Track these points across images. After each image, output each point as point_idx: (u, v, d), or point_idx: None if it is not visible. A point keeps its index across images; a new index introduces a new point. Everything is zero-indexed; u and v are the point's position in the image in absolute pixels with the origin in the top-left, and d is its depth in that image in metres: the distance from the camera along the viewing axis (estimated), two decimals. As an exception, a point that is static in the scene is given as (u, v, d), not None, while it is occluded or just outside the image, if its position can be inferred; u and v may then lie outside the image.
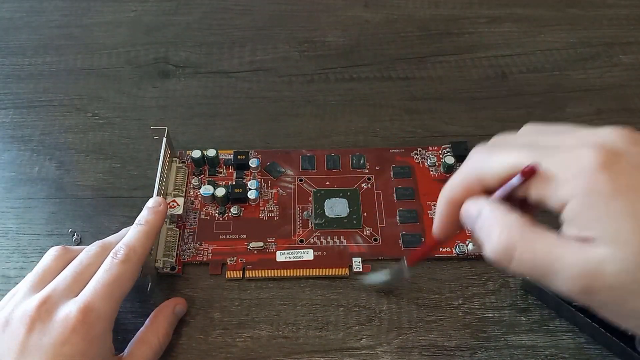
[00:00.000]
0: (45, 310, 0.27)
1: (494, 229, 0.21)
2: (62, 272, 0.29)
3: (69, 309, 0.27)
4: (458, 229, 0.25)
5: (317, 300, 0.35)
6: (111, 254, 0.30)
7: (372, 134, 0.43)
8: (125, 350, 0.30)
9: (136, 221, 0.32)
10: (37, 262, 0.36)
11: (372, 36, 0.50)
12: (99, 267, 0.29)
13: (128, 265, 0.29)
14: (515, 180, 0.21)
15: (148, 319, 0.32)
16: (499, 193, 0.22)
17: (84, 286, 0.29)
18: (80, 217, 0.38)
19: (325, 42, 0.50)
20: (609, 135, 0.21)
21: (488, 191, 0.23)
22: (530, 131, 0.24)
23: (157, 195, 0.35)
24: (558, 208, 0.20)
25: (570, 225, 0.20)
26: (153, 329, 0.31)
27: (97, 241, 0.31)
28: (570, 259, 0.19)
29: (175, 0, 0.53)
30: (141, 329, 0.31)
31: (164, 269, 0.35)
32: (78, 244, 0.37)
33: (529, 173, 0.21)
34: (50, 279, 0.29)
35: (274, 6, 0.53)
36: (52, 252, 0.31)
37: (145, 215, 0.32)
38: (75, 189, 0.40)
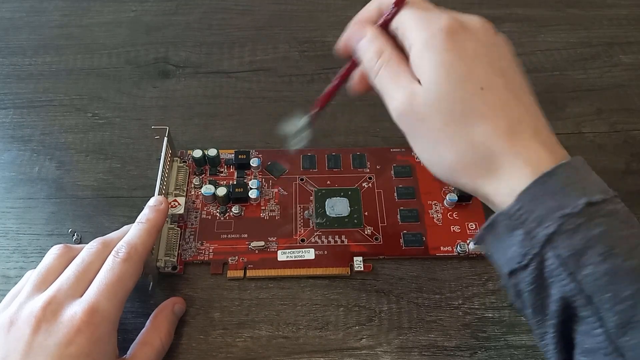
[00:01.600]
0: (50, 310, 0.27)
1: (372, 44, 0.27)
2: (65, 271, 0.29)
3: (75, 310, 0.27)
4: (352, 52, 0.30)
5: (317, 300, 0.35)
6: (113, 252, 0.30)
7: (373, 133, 0.43)
8: (128, 352, 0.30)
9: (137, 219, 0.32)
10: (38, 262, 0.36)
11: (372, 36, 0.50)
12: (101, 265, 0.29)
13: (130, 263, 0.29)
14: (389, 8, 0.27)
15: (149, 321, 0.32)
16: (380, 20, 0.28)
17: (88, 285, 0.28)
18: (80, 217, 0.38)
19: (325, 42, 0.50)
20: (473, 18, 0.27)
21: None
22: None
23: (158, 195, 0.35)
24: (408, 49, 0.26)
25: (411, 62, 0.26)
26: (155, 330, 0.31)
27: (98, 238, 0.31)
28: (401, 88, 0.26)
29: (175, 0, 0.53)
30: (142, 330, 0.31)
31: (166, 269, 0.35)
32: (78, 244, 0.37)
33: (399, 3, 0.27)
34: (53, 278, 0.29)
35: (274, 6, 0.53)
36: (54, 251, 0.31)
37: (146, 213, 0.32)
38: (75, 189, 0.40)
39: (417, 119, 0.25)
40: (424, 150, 0.26)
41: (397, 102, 0.26)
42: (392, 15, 0.27)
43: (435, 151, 0.26)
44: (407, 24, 0.27)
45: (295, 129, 0.33)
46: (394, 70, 0.26)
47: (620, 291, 0.21)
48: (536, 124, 0.25)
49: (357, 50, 0.28)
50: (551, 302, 0.23)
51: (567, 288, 0.22)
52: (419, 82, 0.25)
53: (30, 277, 0.30)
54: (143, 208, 0.38)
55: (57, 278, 0.29)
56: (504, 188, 0.24)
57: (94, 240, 0.31)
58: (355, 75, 0.30)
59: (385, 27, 0.28)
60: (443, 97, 0.25)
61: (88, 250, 0.30)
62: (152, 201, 0.33)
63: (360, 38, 0.28)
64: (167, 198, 0.37)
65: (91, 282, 0.29)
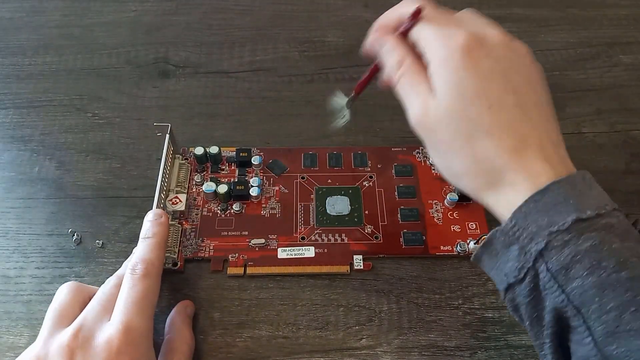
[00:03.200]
0: (83, 337, 0.27)
1: (393, 52, 0.29)
2: (88, 304, 0.29)
3: (109, 332, 0.27)
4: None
5: (317, 300, 0.35)
6: (129, 271, 0.29)
7: (372, 134, 0.43)
8: None
9: (142, 235, 0.32)
10: (38, 262, 0.36)
11: (372, 36, 0.50)
12: None
13: (150, 278, 0.29)
14: (408, 19, 0.28)
15: (168, 328, 0.32)
16: (400, 29, 0.29)
17: (112, 310, 0.28)
18: (80, 217, 0.38)
19: (325, 42, 0.50)
20: (491, 31, 0.27)
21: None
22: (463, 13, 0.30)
23: (158, 196, 0.35)
24: (426, 61, 0.27)
25: (430, 75, 0.27)
26: (180, 337, 0.31)
27: (111, 276, 0.31)
28: (419, 98, 0.27)
29: (175, 0, 0.53)
30: (165, 340, 0.31)
31: (166, 265, 0.35)
32: (78, 244, 0.37)
33: (416, 13, 0.28)
34: (71, 312, 0.29)
35: (274, 6, 0.53)
36: (65, 288, 0.30)
37: (150, 227, 0.32)
38: (75, 189, 0.40)
39: (429, 129, 0.27)
40: (436, 156, 0.28)
41: (413, 110, 0.27)
42: (410, 27, 0.28)
43: (445, 160, 0.27)
44: (425, 38, 0.27)
45: (339, 107, 0.35)
46: (413, 79, 0.28)
47: (606, 302, 0.22)
48: (542, 140, 0.25)
49: (380, 56, 0.30)
50: (546, 313, 0.24)
51: (558, 299, 0.23)
52: (434, 95, 0.27)
53: (47, 315, 0.29)
54: (143, 208, 0.38)
55: (74, 312, 0.29)
56: (503, 202, 0.25)
57: (108, 278, 0.31)
58: (383, 75, 0.31)
59: (404, 35, 0.29)
60: (452, 113, 0.26)
61: (105, 285, 0.30)
62: (151, 215, 0.33)
63: (382, 45, 0.29)
64: (168, 195, 0.37)
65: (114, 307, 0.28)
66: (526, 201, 0.24)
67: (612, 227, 0.23)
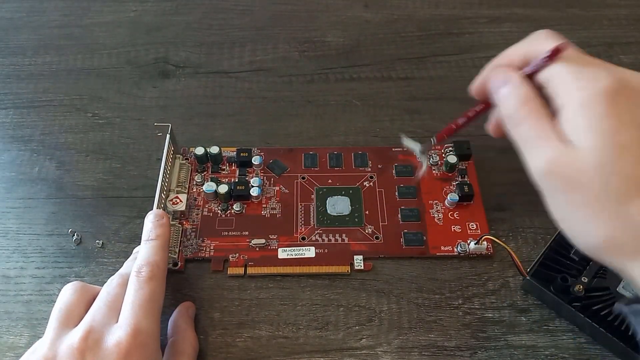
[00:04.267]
0: (92, 339, 0.26)
1: (516, 92, 0.25)
2: (92, 306, 0.29)
3: (118, 335, 0.27)
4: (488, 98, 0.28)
5: (317, 300, 0.35)
6: (134, 273, 0.29)
7: (372, 134, 0.43)
8: None
9: (145, 237, 0.31)
10: (38, 262, 0.36)
11: (372, 36, 0.50)
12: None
13: (156, 281, 0.29)
14: (542, 57, 0.25)
15: (171, 330, 0.32)
16: (528, 68, 0.26)
17: (119, 312, 0.28)
18: (80, 217, 0.38)
19: (325, 42, 0.50)
20: (635, 74, 0.24)
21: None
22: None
23: (158, 196, 0.35)
24: (558, 106, 0.24)
25: (562, 122, 0.24)
26: (184, 339, 0.31)
27: (113, 275, 0.31)
28: (549, 146, 0.23)
29: (175, 0, 0.53)
30: (169, 342, 0.31)
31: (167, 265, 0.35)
32: (78, 244, 0.37)
33: (556, 51, 0.24)
34: (76, 313, 0.29)
35: (274, 6, 0.53)
36: (69, 288, 0.30)
37: (153, 229, 0.32)
38: (75, 189, 0.40)
39: (566, 183, 0.23)
40: (567, 218, 0.24)
41: (542, 160, 0.24)
42: (542, 67, 0.25)
43: (581, 223, 0.24)
44: (561, 78, 0.24)
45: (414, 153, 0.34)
46: (539, 124, 0.24)
47: None
48: None
49: (497, 94, 0.26)
50: None
51: None
52: (569, 144, 0.23)
53: (52, 315, 0.29)
54: (143, 208, 0.38)
55: (80, 312, 0.29)
56: None
57: (111, 277, 0.31)
58: (493, 119, 0.29)
59: (531, 76, 0.26)
60: (601, 166, 0.22)
61: (109, 284, 0.30)
62: (152, 216, 0.33)
63: (503, 83, 0.26)
64: (168, 195, 0.37)
65: (121, 309, 0.28)
66: None
67: None
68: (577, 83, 0.23)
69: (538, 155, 0.24)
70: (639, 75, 0.24)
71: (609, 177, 0.22)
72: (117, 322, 0.28)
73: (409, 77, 0.47)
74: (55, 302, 0.30)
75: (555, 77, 0.24)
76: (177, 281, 0.35)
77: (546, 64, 0.25)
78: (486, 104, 0.29)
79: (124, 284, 0.29)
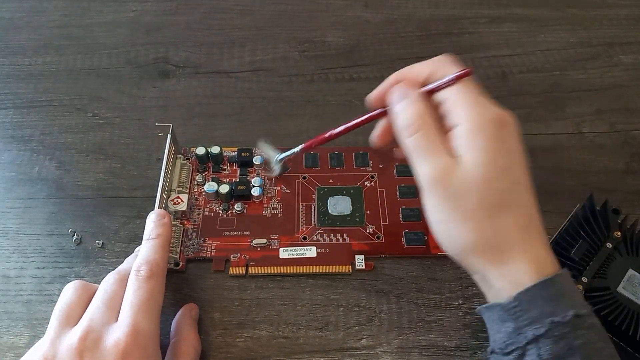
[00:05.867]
0: (91, 339, 0.27)
1: (413, 106, 0.28)
2: (91, 304, 0.29)
3: (117, 335, 0.27)
4: (383, 108, 0.31)
5: (317, 300, 0.35)
6: (134, 272, 0.29)
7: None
8: None
9: (146, 237, 0.31)
10: (38, 262, 0.36)
11: (372, 36, 0.50)
12: (124, 292, 0.29)
13: (155, 280, 0.29)
14: (447, 78, 0.27)
15: (174, 331, 0.32)
16: (430, 86, 0.28)
17: (118, 311, 0.28)
18: (80, 217, 0.38)
19: (325, 42, 0.50)
20: (508, 113, 0.27)
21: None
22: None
23: (159, 196, 0.34)
24: (450, 124, 0.27)
25: (454, 138, 0.27)
26: (186, 341, 0.31)
27: (112, 272, 0.31)
28: (438, 157, 0.26)
29: (175, 0, 0.53)
30: (172, 343, 0.31)
31: (168, 265, 0.35)
32: (78, 244, 0.37)
33: (463, 75, 0.27)
34: (77, 312, 0.29)
35: (274, 6, 0.53)
36: (71, 287, 0.30)
37: (154, 228, 0.32)
38: (75, 189, 0.40)
39: (451, 193, 0.26)
40: (444, 222, 0.27)
41: (431, 170, 0.27)
42: (446, 86, 0.28)
43: (457, 228, 0.27)
44: (459, 102, 0.27)
45: (273, 158, 0.37)
46: (432, 138, 0.27)
47: None
48: (540, 225, 0.27)
49: (394, 106, 0.29)
50: None
51: None
52: (457, 158, 0.26)
53: (53, 314, 0.29)
54: (143, 208, 0.38)
55: (81, 311, 0.29)
56: (506, 277, 0.26)
57: (109, 274, 0.30)
58: (379, 127, 0.31)
59: (429, 94, 0.28)
60: (482, 182, 0.26)
61: (106, 282, 0.30)
62: (153, 216, 0.33)
63: (403, 96, 0.28)
64: (169, 195, 0.37)
65: (120, 308, 0.28)
66: (534, 286, 0.25)
67: (595, 327, 0.25)
68: (474, 109, 0.26)
69: (427, 164, 0.27)
70: (508, 113, 0.27)
71: (491, 192, 0.26)
72: (116, 321, 0.28)
73: (409, 77, 0.47)
74: (55, 302, 0.30)
75: (453, 98, 0.27)
76: (177, 281, 0.35)
77: (448, 85, 0.27)
78: (380, 113, 0.31)
79: (122, 281, 0.29)
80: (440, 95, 0.28)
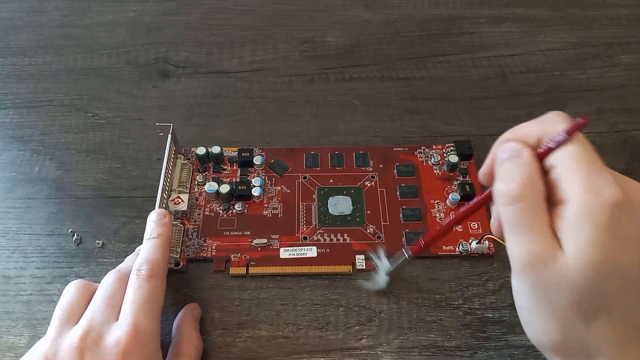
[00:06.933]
0: (91, 339, 0.27)
1: (522, 169, 0.23)
2: (91, 303, 0.29)
3: (117, 334, 0.27)
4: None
5: (317, 300, 0.35)
6: (134, 271, 0.29)
7: (373, 134, 0.43)
8: None
9: (147, 236, 0.31)
10: (38, 262, 0.36)
11: (372, 36, 0.50)
12: (124, 290, 0.29)
13: (156, 279, 0.29)
14: (557, 138, 0.23)
15: (175, 331, 0.32)
16: (544, 146, 0.23)
17: (119, 310, 0.28)
18: (80, 217, 0.38)
19: (325, 42, 0.50)
20: (635, 186, 0.23)
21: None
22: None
23: (160, 196, 0.34)
24: (560, 197, 0.22)
25: (562, 218, 0.22)
26: (187, 341, 0.31)
27: (112, 270, 0.31)
28: (539, 241, 0.22)
29: (175, 0, 0.53)
30: (173, 343, 0.31)
31: (169, 265, 0.35)
32: (78, 244, 0.37)
33: (573, 130, 0.22)
34: (78, 311, 0.29)
35: (274, 6, 0.53)
36: (72, 286, 0.30)
37: (154, 227, 0.32)
38: (75, 189, 0.40)
39: (544, 283, 0.22)
40: (531, 311, 0.24)
41: (527, 253, 0.22)
42: (556, 147, 0.23)
43: (544, 322, 0.23)
44: (572, 171, 0.22)
45: (382, 269, 0.34)
46: (535, 214, 0.23)
47: None
48: None
49: (500, 164, 0.24)
50: None
51: None
52: (559, 246, 0.22)
53: (55, 313, 0.29)
54: (143, 208, 0.38)
55: (82, 310, 0.29)
56: None
57: (109, 272, 0.31)
58: (495, 215, 0.26)
59: (541, 158, 0.24)
60: (586, 282, 0.21)
61: (107, 280, 0.30)
62: (154, 215, 0.33)
63: (513, 153, 0.24)
64: (170, 195, 0.37)
65: (121, 307, 0.28)
66: None
67: None
68: (587, 185, 0.22)
69: (523, 245, 0.23)
70: (637, 187, 0.23)
71: (586, 293, 0.22)
72: (116, 320, 0.28)
73: (409, 77, 0.47)
74: (55, 302, 0.30)
75: (566, 163, 0.22)
76: (178, 281, 0.35)
77: (560, 145, 0.23)
78: (484, 199, 0.27)
79: (122, 280, 0.29)
80: (551, 159, 0.23)
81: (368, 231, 0.37)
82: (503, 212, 0.23)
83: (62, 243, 0.37)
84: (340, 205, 0.38)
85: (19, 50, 0.49)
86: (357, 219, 0.38)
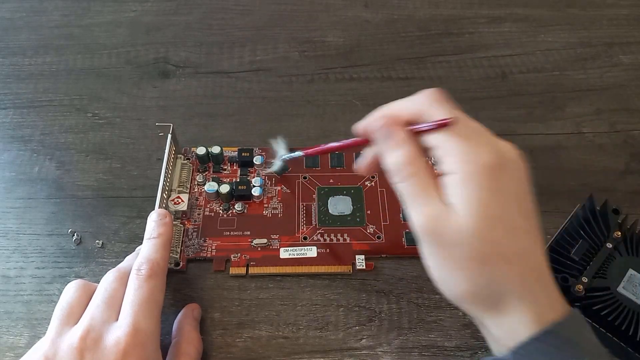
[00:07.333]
0: (91, 339, 0.27)
1: (403, 149, 0.27)
2: (91, 302, 0.29)
3: (117, 334, 0.27)
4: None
5: (317, 300, 0.35)
6: (134, 271, 0.29)
7: (372, 134, 0.43)
8: None
9: (147, 236, 0.32)
10: (38, 262, 0.36)
11: (372, 36, 0.50)
12: (124, 290, 0.29)
13: (156, 279, 0.29)
14: (430, 125, 0.26)
15: (175, 331, 0.32)
16: (416, 127, 0.27)
17: (119, 310, 0.28)
18: (80, 217, 0.38)
19: (325, 42, 0.50)
20: (510, 149, 0.26)
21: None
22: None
23: (160, 196, 0.34)
24: (442, 171, 0.26)
25: (446, 185, 0.25)
26: (187, 340, 0.31)
27: (111, 269, 0.31)
28: (431, 205, 0.25)
29: (175, 0, 0.53)
30: (173, 343, 0.31)
31: (168, 265, 0.35)
32: (78, 244, 0.37)
33: (443, 125, 0.26)
34: (78, 311, 0.29)
35: (274, 6, 0.53)
36: (73, 286, 0.30)
37: (155, 227, 0.32)
38: (75, 189, 0.40)
39: (443, 241, 0.25)
40: (439, 269, 0.26)
41: (423, 218, 0.26)
42: (431, 131, 0.26)
43: (451, 276, 0.26)
44: (449, 149, 0.26)
45: (279, 155, 0.38)
46: (425, 183, 0.26)
47: None
48: (544, 268, 0.26)
49: (382, 145, 0.28)
50: None
51: None
52: (449, 205, 0.25)
53: (54, 313, 0.29)
54: (143, 208, 0.38)
55: (81, 310, 0.29)
56: (503, 327, 0.25)
57: (109, 271, 0.31)
58: (367, 156, 0.31)
59: (417, 134, 0.27)
60: (475, 233, 0.25)
61: (106, 280, 0.30)
62: (155, 215, 0.33)
63: (389, 135, 0.27)
64: (170, 195, 0.37)
65: (121, 307, 0.28)
66: (533, 339, 0.24)
67: None
68: (464, 157, 0.25)
69: (420, 212, 0.26)
70: (511, 150, 0.26)
71: (482, 244, 0.25)
72: (116, 319, 0.28)
73: (409, 77, 0.47)
74: (55, 302, 0.30)
75: (444, 146, 0.26)
76: (178, 281, 0.35)
77: (434, 131, 0.26)
78: (363, 141, 0.30)
79: (122, 279, 0.29)
80: (429, 140, 0.26)
81: (368, 231, 0.37)
82: (399, 188, 0.27)
83: (62, 243, 0.37)
84: (340, 205, 0.38)
85: (19, 50, 0.49)
86: (357, 219, 0.38)
